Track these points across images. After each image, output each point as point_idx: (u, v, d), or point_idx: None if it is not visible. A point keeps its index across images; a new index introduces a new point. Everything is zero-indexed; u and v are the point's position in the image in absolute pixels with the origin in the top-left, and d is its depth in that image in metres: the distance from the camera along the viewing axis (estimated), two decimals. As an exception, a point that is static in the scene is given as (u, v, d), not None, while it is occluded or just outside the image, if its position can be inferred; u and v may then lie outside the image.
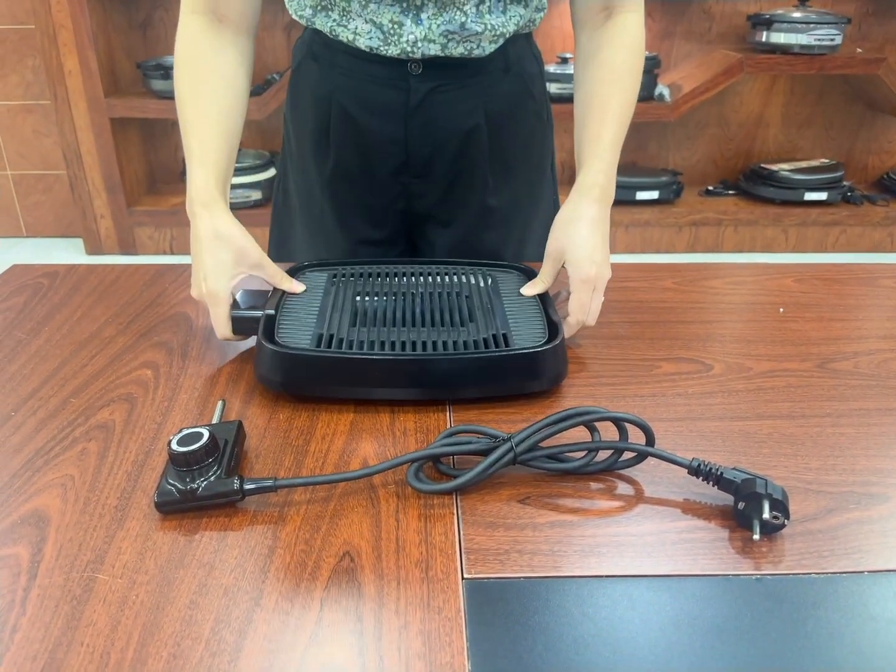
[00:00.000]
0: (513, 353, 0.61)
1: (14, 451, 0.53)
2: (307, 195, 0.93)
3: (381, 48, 0.77)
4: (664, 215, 2.73)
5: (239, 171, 2.64)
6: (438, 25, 0.75)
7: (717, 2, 2.70)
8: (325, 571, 0.43)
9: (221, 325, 0.65)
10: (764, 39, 2.53)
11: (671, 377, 0.65)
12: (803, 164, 2.81)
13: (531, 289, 0.71)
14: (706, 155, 2.97)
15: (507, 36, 0.79)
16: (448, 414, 0.59)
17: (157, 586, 0.42)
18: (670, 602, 0.42)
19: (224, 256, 0.66)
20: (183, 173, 2.67)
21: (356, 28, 0.77)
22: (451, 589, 0.42)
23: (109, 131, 2.52)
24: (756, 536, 0.45)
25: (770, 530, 0.46)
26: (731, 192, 2.87)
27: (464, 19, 0.75)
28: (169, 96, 2.49)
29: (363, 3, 0.75)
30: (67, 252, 2.79)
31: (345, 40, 0.78)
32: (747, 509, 0.46)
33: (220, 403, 0.58)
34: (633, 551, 0.45)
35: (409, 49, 0.76)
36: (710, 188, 2.89)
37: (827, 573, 0.44)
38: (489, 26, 0.77)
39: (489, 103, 0.84)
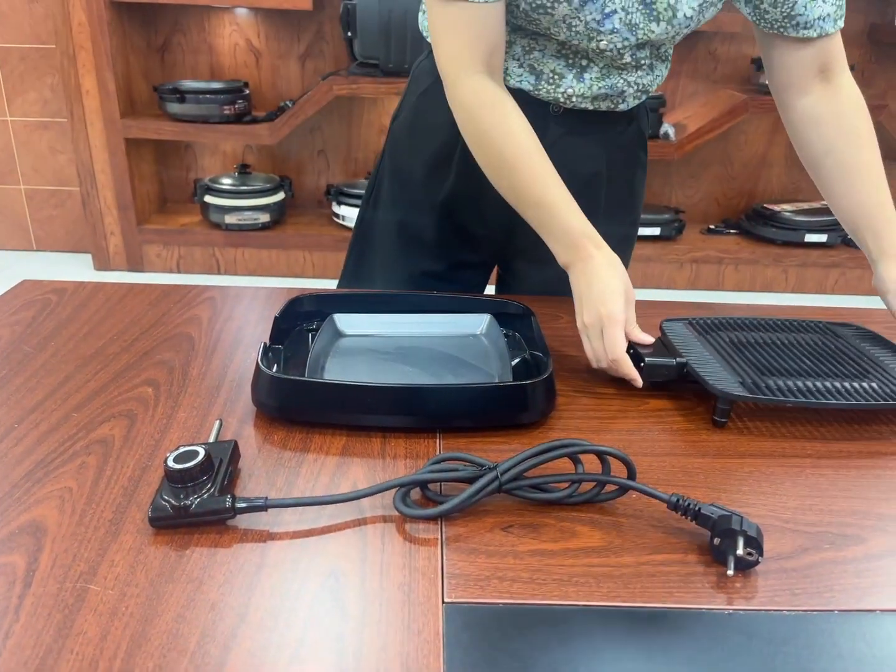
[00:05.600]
0: (502, 385, 0.62)
1: (15, 462, 0.55)
2: (408, 214, 0.94)
3: (531, 91, 0.80)
4: (665, 252, 2.76)
5: (248, 195, 2.68)
6: (599, 88, 0.79)
7: (723, 44, 2.76)
8: (310, 590, 0.45)
9: (619, 346, 0.66)
10: (768, 81, 2.58)
11: (658, 413, 0.67)
12: (805, 206, 2.84)
13: None
14: (709, 194, 3.01)
15: (650, 93, 0.84)
16: (438, 441, 0.61)
17: (146, 599, 0.43)
18: (644, 633, 0.43)
19: (618, 286, 0.68)
20: (194, 195, 2.73)
21: (507, 68, 0.80)
22: (432, 612, 0.44)
23: (124, 151, 2.57)
24: (730, 572, 0.46)
25: (744, 566, 0.47)
26: (732, 231, 2.91)
27: (625, 88, 0.80)
28: (183, 119, 2.54)
29: (526, 48, 0.78)
30: (76, 267, 2.82)
31: None
32: (722, 545, 0.48)
33: (216, 423, 0.60)
34: (611, 582, 0.47)
35: (562, 100, 0.80)
36: (712, 227, 2.93)
37: (798, 611, 0.45)
38: (639, 84, 0.81)
39: (612, 151, 0.88)
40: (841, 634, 0.44)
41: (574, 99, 0.80)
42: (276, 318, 0.72)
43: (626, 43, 0.74)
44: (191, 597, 0.44)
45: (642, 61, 0.78)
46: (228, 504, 0.49)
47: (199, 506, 0.49)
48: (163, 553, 0.47)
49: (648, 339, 0.70)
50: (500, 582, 0.46)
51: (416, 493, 0.53)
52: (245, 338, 0.78)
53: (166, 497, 0.49)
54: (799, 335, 0.77)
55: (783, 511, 0.54)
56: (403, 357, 0.72)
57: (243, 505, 0.49)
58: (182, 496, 0.49)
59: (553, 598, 0.45)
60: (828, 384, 0.66)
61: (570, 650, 0.42)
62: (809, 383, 0.66)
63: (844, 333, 0.78)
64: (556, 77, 0.79)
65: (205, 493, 0.49)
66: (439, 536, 0.50)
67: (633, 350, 0.70)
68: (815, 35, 0.77)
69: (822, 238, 2.76)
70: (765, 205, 2.85)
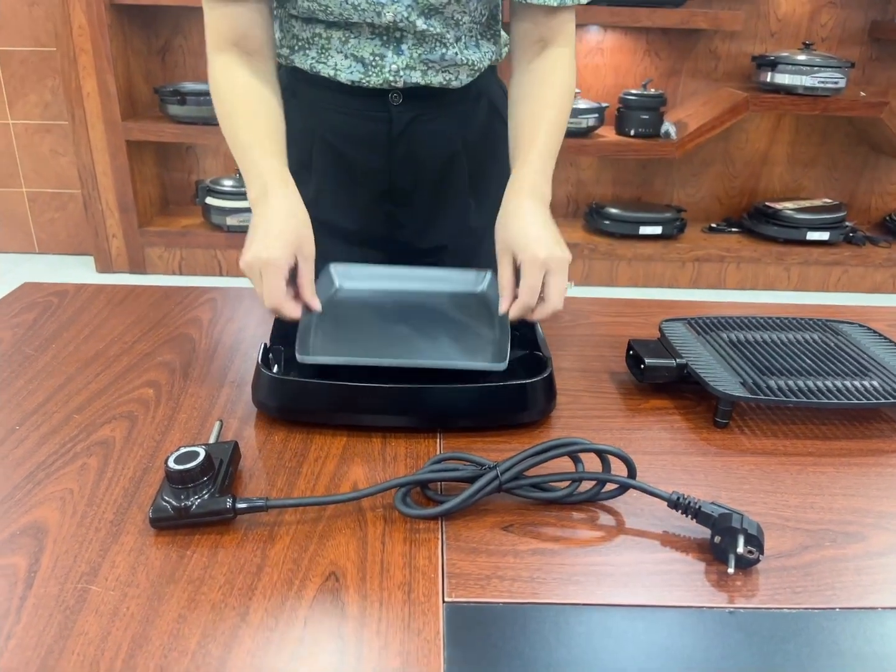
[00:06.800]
0: (502, 385, 0.62)
1: (17, 464, 0.55)
2: None
3: (363, 80, 0.81)
4: (667, 250, 2.76)
5: (242, 196, 2.68)
6: (420, 55, 0.80)
7: (724, 42, 2.75)
8: (311, 591, 0.45)
9: (275, 294, 0.65)
10: (769, 80, 2.58)
11: (658, 412, 0.67)
12: (806, 204, 2.84)
13: (505, 304, 0.69)
14: (710, 192, 3.00)
15: (482, 70, 0.85)
16: (438, 440, 0.61)
17: (147, 599, 0.43)
18: (644, 632, 0.43)
19: (289, 233, 0.67)
20: (196, 197, 2.74)
21: (336, 64, 0.81)
22: (432, 612, 0.44)
23: (125, 153, 2.57)
24: (731, 570, 0.46)
25: (745, 564, 0.47)
26: (734, 229, 2.90)
27: (444, 51, 0.80)
28: (184, 121, 2.54)
29: (343, 39, 0.79)
30: (78, 269, 2.82)
31: (325, 76, 0.82)
32: (723, 543, 0.48)
33: (217, 424, 0.60)
34: (611, 581, 0.47)
35: (391, 78, 0.80)
36: (714, 225, 2.92)
37: (799, 609, 0.45)
38: (467, 61, 0.82)
39: (466, 131, 0.88)
40: (842, 632, 0.44)
41: (402, 73, 0.80)
42: (276, 319, 0.72)
43: (410, 11, 0.76)
44: (191, 597, 0.44)
45: (434, 28, 0.78)
46: (229, 505, 0.49)
47: (200, 507, 0.49)
48: (164, 554, 0.47)
49: (317, 305, 0.68)
50: (500, 581, 0.46)
51: (416, 493, 0.53)
52: (245, 338, 0.78)
53: (167, 498, 0.49)
54: (799, 333, 0.77)
55: (784, 509, 0.54)
56: (399, 316, 0.72)
57: (244, 505, 0.49)
58: (183, 497, 0.49)
59: (553, 597, 0.45)
60: (828, 383, 0.66)
61: (570, 650, 0.42)
62: (810, 382, 0.66)
63: (845, 331, 0.78)
64: (377, 58, 0.80)
65: (205, 493, 0.49)
66: (440, 536, 0.50)
67: (633, 350, 0.70)
68: (554, 4, 0.76)
69: (825, 236, 2.75)
70: (766, 203, 2.84)
